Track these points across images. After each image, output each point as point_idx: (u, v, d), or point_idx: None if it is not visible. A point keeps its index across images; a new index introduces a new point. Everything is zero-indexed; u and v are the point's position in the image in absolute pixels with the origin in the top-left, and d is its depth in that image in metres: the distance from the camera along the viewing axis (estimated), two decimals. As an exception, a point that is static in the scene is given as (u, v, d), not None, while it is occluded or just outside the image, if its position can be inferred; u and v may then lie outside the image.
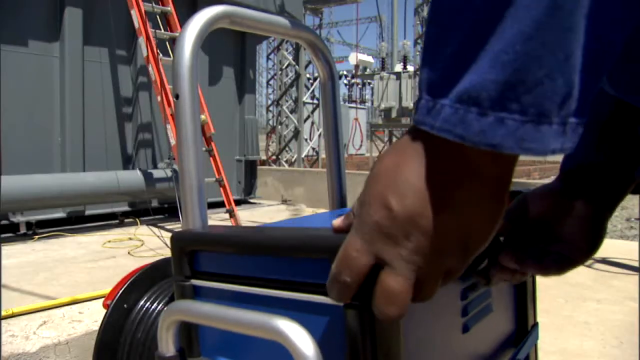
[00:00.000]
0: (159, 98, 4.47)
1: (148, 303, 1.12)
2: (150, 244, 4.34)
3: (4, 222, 4.47)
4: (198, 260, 0.69)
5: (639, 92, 0.56)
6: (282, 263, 0.58)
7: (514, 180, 0.66)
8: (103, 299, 1.21)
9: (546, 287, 3.30)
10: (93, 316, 2.46)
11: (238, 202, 6.18)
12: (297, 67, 12.50)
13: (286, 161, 13.09)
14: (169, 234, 4.04)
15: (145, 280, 1.14)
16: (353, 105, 17.42)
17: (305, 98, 12.87)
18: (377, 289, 0.41)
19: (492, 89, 0.34)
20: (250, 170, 6.93)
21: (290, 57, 13.07)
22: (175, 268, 0.69)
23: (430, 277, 0.41)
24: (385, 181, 0.40)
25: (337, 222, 0.51)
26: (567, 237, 0.63)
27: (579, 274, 3.79)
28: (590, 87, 0.36)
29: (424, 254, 0.39)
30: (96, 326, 2.28)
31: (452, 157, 0.38)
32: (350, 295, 0.43)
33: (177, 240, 0.70)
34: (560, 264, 0.63)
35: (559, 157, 0.67)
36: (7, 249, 4.01)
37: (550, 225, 0.64)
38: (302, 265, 0.56)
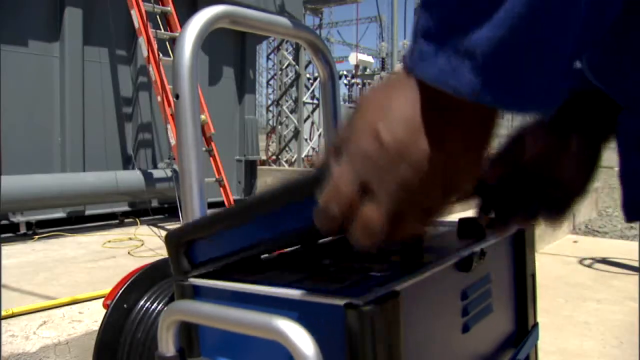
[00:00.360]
0: (159, 98, 4.47)
1: (148, 303, 1.12)
2: (150, 244, 4.33)
3: (4, 222, 4.47)
4: (194, 251, 0.69)
5: (615, 84, 0.57)
6: (272, 219, 0.58)
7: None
8: (103, 299, 1.20)
9: (546, 287, 3.30)
10: (93, 316, 2.46)
11: (238, 202, 6.17)
12: (297, 67, 12.49)
13: (286, 161, 13.09)
14: (169, 234, 4.03)
15: (145, 280, 1.14)
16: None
17: (305, 98, 12.86)
18: (356, 217, 0.41)
19: (486, 44, 0.35)
20: (250, 170, 6.93)
21: (290, 57, 13.07)
22: (174, 265, 0.69)
23: (410, 211, 0.41)
24: (375, 113, 0.40)
25: (316, 158, 0.51)
26: (564, 179, 0.64)
27: (579, 273, 3.78)
28: (579, 52, 0.37)
29: (407, 186, 0.39)
30: (96, 326, 2.28)
31: (443, 97, 0.38)
32: (337, 225, 0.43)
33: (171, 236, 0.70)
34: (560, 212, 0.65)
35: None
36: (7, 249, 4.01)
37: (547, 169, 0.65)
38: (291, 213, 0.56)
